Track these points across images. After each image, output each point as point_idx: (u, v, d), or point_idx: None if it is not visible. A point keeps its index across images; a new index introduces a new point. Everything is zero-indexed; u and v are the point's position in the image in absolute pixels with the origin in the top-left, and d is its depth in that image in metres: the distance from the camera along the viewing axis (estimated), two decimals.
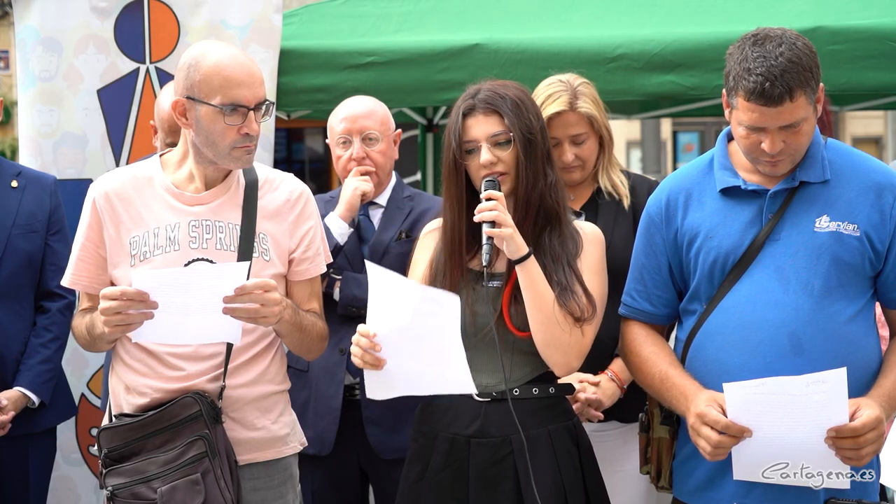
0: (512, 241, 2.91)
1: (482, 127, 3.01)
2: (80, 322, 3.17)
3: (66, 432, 4.50)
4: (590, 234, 3.10)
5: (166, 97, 3.95)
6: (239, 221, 3.11)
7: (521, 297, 2.97)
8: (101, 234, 3.12)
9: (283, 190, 3.21)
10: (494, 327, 2.98)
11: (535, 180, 3.01)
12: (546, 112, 3.58)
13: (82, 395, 4.57)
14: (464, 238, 3.07)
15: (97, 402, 4.54)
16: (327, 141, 4.06)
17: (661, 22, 4.66)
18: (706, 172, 3.02)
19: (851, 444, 2.68)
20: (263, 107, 3.04)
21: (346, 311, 3.83)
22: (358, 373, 3.86)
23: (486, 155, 2.99)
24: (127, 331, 2.93)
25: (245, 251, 3.06)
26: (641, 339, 3.06)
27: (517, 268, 2.94)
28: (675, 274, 3.04)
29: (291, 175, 3.30)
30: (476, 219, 2.92)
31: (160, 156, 3.20)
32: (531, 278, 2.94)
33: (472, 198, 3.04)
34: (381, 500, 3.99)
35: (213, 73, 2.99)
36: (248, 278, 2.93)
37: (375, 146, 3.95)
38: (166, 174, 3.13)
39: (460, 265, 3.07)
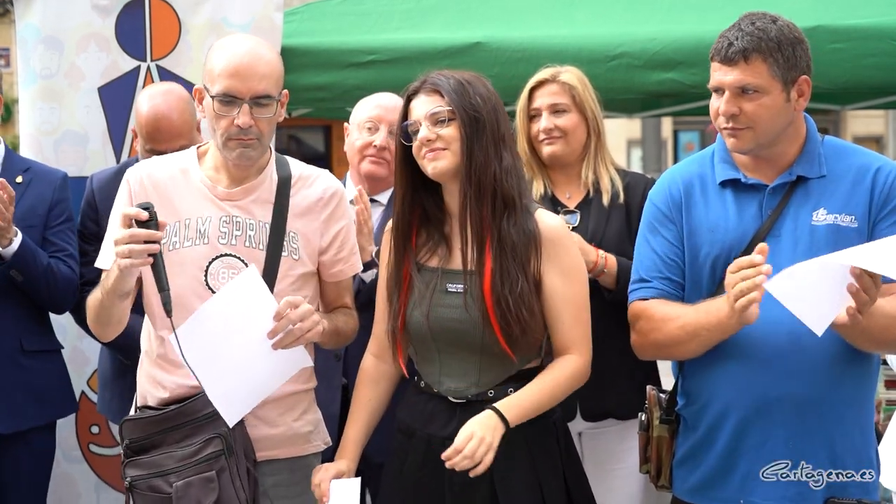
0: None
1: (423, 106, 2.98)
2: (94, 292, 3.11)
3: (65, 430, 4.54)
4: (553, 229, 3.02)
5: (143, 101, 3.97)
6: (269, 219, 3.12)
7: (498, 299, 2.94)
8: None
9: (316, 187, 3.20)
10: (478, 331, 2.95)
11: (486, 162, 2.94)
12: (530, 84, 3.78)
13: (82, 392, 4.60)
14: (412, 230, 3.08)
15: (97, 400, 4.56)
16: (346, 125, 4.05)
17: (662, 20, 4.71)
18: (708, 166, 3.06)
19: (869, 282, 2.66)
20: (264, 101, 3.02)
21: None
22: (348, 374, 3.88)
23: (423, 132, 2.96)
24: (135, 266, 2.87)
25: (274, 250, 3.08)
26: (655, 306, 3.02)
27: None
28: (680, 262, 3.05)
29: (327, 172, 3.29)
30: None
31: (197, 148, 3.22)
32: None
33: (422, 185, 3.04)
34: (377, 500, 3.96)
35: (215, 63, 3.03)
36: (260, 278, 2.96)
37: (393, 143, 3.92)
38: (201, 167, 3.14)
39: (409, 260, 3.06)
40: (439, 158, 2.94)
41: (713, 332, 2.87)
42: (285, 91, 3.15)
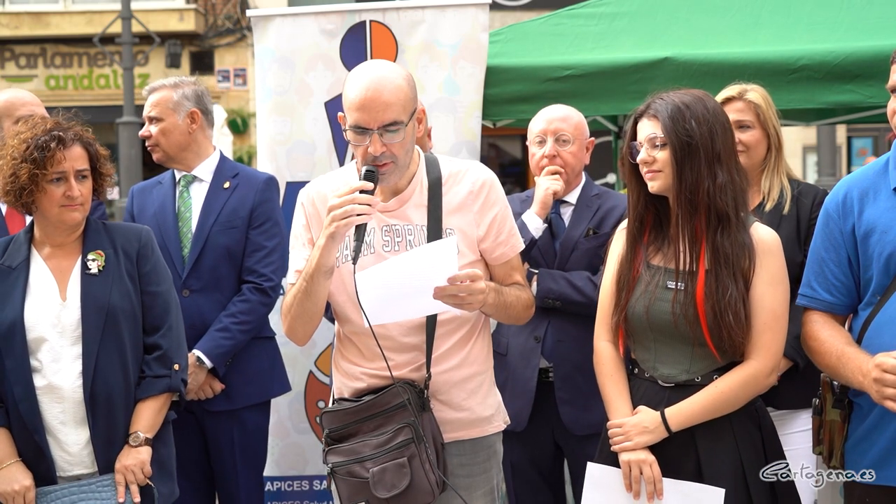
0: None
1: (644, 130, 3.19)
2: (285, 298, 3.28)
3: (295, 405, 4.88)
4: (767, 241, 3.16)
5: None
6: (425, 222, 3.22)
7: (708, 301, 3.09)
8: (311, 235, 3.29)
9: (466, 182, 3.27)
10: (688, 326, 3.12)
11: (698, 181, 3.10)
12: (717, 99, 3.82)
13: (310, 372, 4.91)
14: (645, 230, 3.26)
15: (324, 379, 4.84)
16: (528, 142, 4.28)
17: (840, 38, 4.73)
18: (882, 173, 3.11)
19: None
20: (392, 128, 3.11)
21: (543, 303, 4.02)
22: (552, 357, 4.10)
23: (642, 154, 3.18)
24: (350, 224, 3.01)
25: None
26: (819, 326, 3.14)
27: None
28: (852, 265, 3.12)
29: (475, 163, 3.40)
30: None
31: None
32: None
33: (648, 195, 3.23)
34: (576, 471, 4.15)
35: (347, 95, 3.15)
36: (456, 252, 3.07)
37: (567, 147, 4.16)
38: None
39: (640, 256, 3.24)
40: (655, 179, 3.18)
41: (851, 384, 3.03)
42: (421, 107, 3.27)
